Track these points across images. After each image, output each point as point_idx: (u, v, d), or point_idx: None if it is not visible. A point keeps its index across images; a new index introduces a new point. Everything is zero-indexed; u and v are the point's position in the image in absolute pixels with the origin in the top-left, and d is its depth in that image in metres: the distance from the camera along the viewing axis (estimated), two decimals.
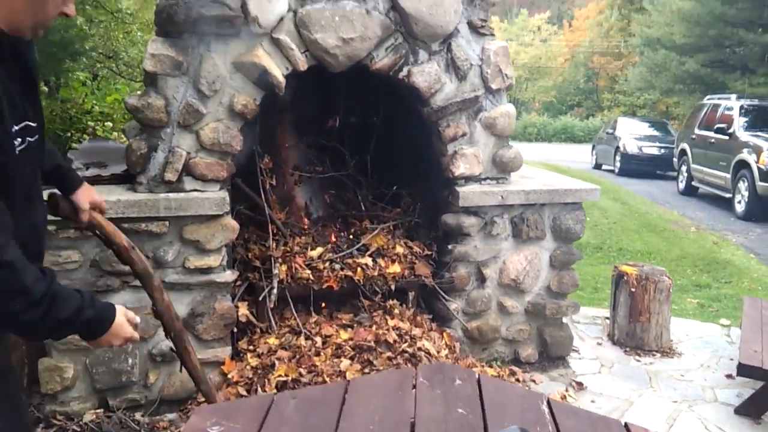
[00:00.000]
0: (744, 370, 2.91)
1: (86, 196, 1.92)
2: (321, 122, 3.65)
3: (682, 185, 12.27)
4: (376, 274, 3.36)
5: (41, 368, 2.91)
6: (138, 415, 3.02)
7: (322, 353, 3.03)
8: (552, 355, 3.73)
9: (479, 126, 3.37)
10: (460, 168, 3.34)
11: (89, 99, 7.34)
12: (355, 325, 3.30)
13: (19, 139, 1.42)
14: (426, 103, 3.24)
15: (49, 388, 2.92)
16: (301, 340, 3.11)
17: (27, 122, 1.47)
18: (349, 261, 3.38)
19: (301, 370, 2.93)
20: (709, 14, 18.18)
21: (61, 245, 2.81)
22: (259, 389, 2.91)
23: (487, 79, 3.31)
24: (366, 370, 2.96)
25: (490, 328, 3.56)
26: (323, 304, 3.46)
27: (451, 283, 3.46)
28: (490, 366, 3.55)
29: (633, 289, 3.98)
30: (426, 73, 3.17)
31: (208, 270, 3.00)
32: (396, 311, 3.38)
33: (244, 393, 2.93)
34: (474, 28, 3.27)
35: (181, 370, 2.29)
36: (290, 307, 3.29)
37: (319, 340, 3.10)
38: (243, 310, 3.19)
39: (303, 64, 2.98)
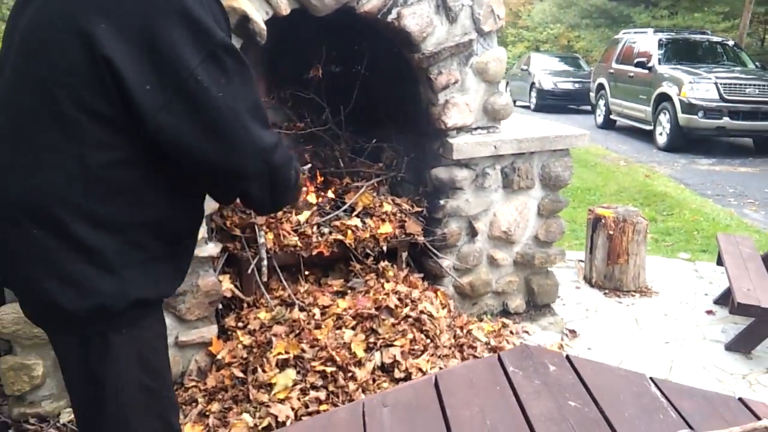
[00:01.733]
0: (742, 309, 2.96)
1: None
2: (299, 74, 3.29)
3: (600, 119, 12.63)
4: (367, 235, 3.13)
5: (5, 368, 2.52)
6: None
7: (323, 325, 2.80)
8: (539, 303, 3.70)
9: (470, 72, 3.15)
10: (452, 118, 3.12)
11: None
12: (349, 291, 3.08)
13: None
14: (417, 49, 2.97)
15: (16, 389, 2.55)
16: (297, 313, 2.86)
17: None
18: (337, 223, 3.13)
19: (303, 345, 2.70)
20: None
21: None
22: (258, 369, 2.66)
23: (479, 20, 3.07)
24: (371, 340, 2.77)
25: (482, 283, 3.45)
26: (307, 273, 3.21)
27: (443, 240, 3.29)
28: (481, 320, 3.45)
29: (611, 232, 3.98)
30: (417, 15, 2.88)
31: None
32: (390, 273, 3.18)
33: (240, 374, 2.67)
34: None
35: None
36: (277, 277, 3.02)
37: (317, 311, 2.86)
38: (226, 283, 2.89)
39: (285, 7, 2.62)
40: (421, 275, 3.36)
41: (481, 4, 3.04)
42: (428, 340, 2.88)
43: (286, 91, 3.40)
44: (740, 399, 1.46)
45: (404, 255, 3.28)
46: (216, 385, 2.72)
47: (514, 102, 16.91)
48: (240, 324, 2.89)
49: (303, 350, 2.69)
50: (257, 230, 2.94)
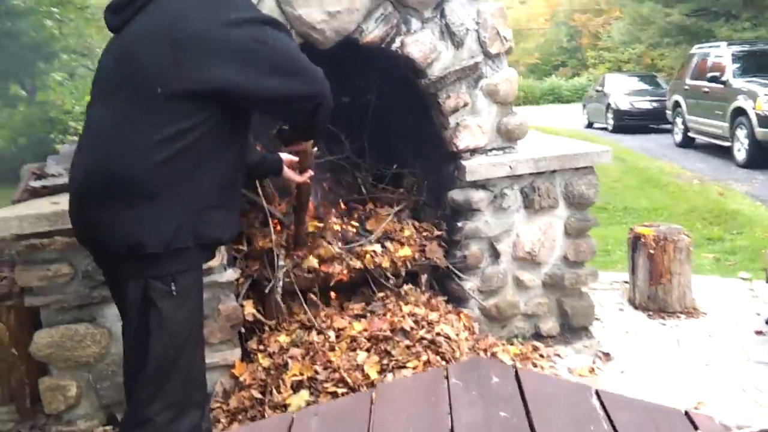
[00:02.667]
0: None
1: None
2: None
3: (678, 137, 12.10)
4: (386, 260, 3.18)
5: (43, 388, 2.74)
6: None
7: (336, 348, 2.86)
8: (574, 326, 3.58)
9: (480, 94, 3.17)
10: (464, 140, 3.15)
11: (68, 99, 7.13)
12: (369, 314, 3.12)
13: None
14: (423, 74, 3.04)
15: (53, 408, 2.76)
16: (313, 336, 2.94)
17: None
18: (357, 249, 3.20)
19: (317, 367, 2.77)
20: None
21: (50, 258, 2.62)
22: (274, 391, 2.75)
23: (485, 43, 3.10)
24: (385, 362, 2.79)
25: (508, 305, 3.40)
26: (333, 295, 3.29)
27: (464, 262, 3.29)
28: (511, 344, 3.39)
29: (651, 251, 3.82)
30: (420, 43, 2.96)
31: (208, 271, 2.81)
32: (410, 297, 3.21)
33: (259, 395, 2.77)
34: None
35: None
36: (299, 301, 3.11)
37: (332, 334, 2.93)
38: (249, 308, 3.01)
39: None
40: (445, 298, 3.36)
41: (486, 27, 3.08)
42: (444, 362, 2.86)
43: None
44: (686, 412, 1.39)
45: (424, 278, 3.30)
46: (237, 406, 2.82)
47: (591, 125, 16.63)
48: (261, 347, 2.99)
49: (316, 372, 2.76)
50: (276, 255, 3.06)
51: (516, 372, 1.54)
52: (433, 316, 3.07)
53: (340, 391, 2.65)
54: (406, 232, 3.37)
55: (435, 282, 3.44)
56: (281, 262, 3.05)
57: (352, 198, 3.58)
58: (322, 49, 2.86)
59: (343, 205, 3.50)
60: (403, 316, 3.02)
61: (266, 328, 3.06)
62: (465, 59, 3.09)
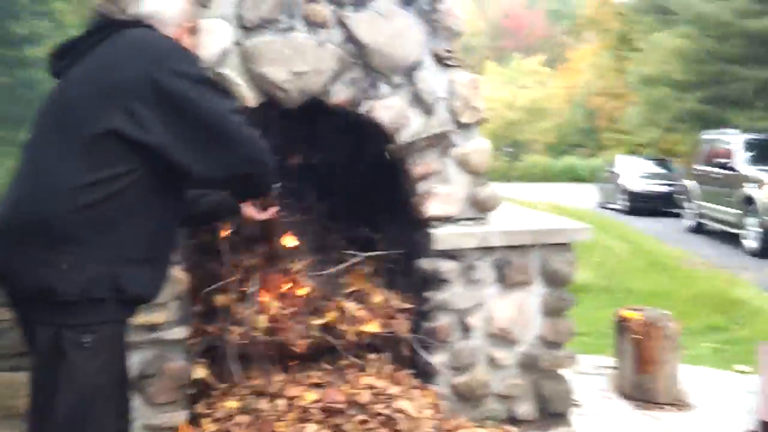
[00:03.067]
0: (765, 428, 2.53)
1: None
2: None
3: (689, 222, 11.93)
4: (350, 331, 3.04)
5: None
6: None
7: (285, 418, 2.68)
8: (551, 411, 3.36)
9: (451, 163, 3.11)
10: (433, 208, 3.07)
11: None
12: (327, 384, 2.95)
13: None
14: (391, 140, 2.99)
15: None
16: (264, 403, 2.77)
17: None
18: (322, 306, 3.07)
19: None
20: (704, 52, 18.18)
21: None
22: None
23: (456, 112, 3.06)
24: None
25: (479, 384, 3.21)
26: (292, 361, 3.12)
27: (432, 335, 3.13)
28: (482, 426, 3.17)
29: (637, 337, 3.62)
30: (389, 108, 2.93)
31: (154, 327, 2.70)
32: (372, 368, 3.04)
33: None
34: (439, 60, 3.05)
35: None
36: (256, 366, 2.95)
37: (283, 402, 2.76)
38: (200, 371, 2.86)
39: (251, 100, 2.75)
40: (413, 371, 3.18)
41: (458, 96, 3.05)
42: None
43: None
44: None
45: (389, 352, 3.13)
46: None
47: (604, 205, 16.52)
48: (209, 411, 2.82)
49: None
50: (225, 319, 2.93)
51: None
52: (394, 390, 2.89)
53: None
54: (377, 299, 3.23)
55: (402, 354, 3.26)
56: (228, 328, 2.92)
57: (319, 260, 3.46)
58: (286, 107, 2.83)
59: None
60: (362, 389, 2.85)
61: (219, 392, 2.90)
62: (435, 127, 3.04)
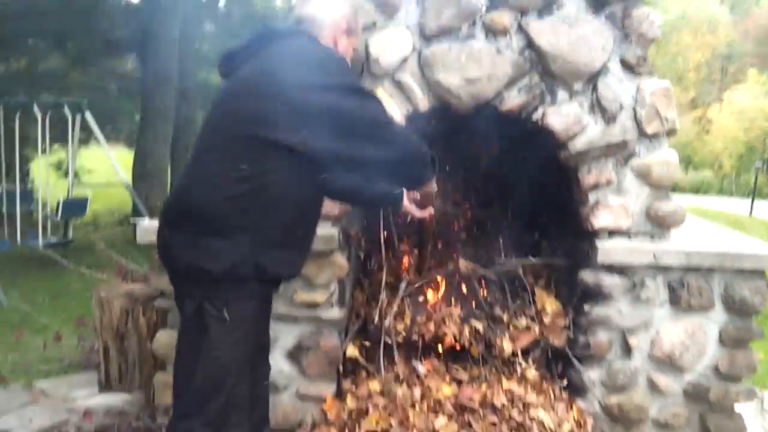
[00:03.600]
0: None
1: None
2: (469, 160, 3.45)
3: None
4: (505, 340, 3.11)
5: (157, 382, 3.14)
6: None
7: (417, 406, 2.85)
8: None
9: (630, 174, 2.96)
10: (601, 219, 2.96)
11: None
12: (470, 381, 3.06)
13: None
14: (563, 147, 2.94)
15: (162, 401, 3.14)
16: (402, 389, 2.96)
17: None
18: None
19: (392, 421, 2.79)
20: None
21: None
22: None
23: (641, 122, 2.90)
24: None
25: (634, 408, 3.08)
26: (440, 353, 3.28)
27: (587, 350, 3.06)
28: None
29: None
30: (563, 115, 2.87)
31: (314, 305, 3.01)
32: (521, 373, 3.08)
33: None
34: (628, 66, 2.90)
35: None
36: (405, 354, 3.16)
37: (418, 391, 2.93)
38: (352, 350, 3.13)
39: (424, 104, 2.88)
40: (564, 384, 3.16)
41: (644, 105, 2.88)
42: None
43: (458, 176, 3.58)
44: None
45: (535, 357, 3.14)
46: None
47: None
48: (353, 388, 3.10)
49: (390, 425, 2.78)
50: (382, 312, 3.15)
51: None
52: (532, 398, 2.91)
53: None
54: (543, 305, 3.25)
55: (554, 364, 3.24)
56: (387, 321, 3.13)
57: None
58: (457, 112, 2.91)
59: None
60: (499, 391, 2.91)
61: (364, 372, 3.16)
62: (615, 136, 2.91)
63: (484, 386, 2.97)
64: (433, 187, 2.29)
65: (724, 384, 3.07)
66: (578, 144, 2.92)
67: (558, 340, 3.12)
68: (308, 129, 1.86)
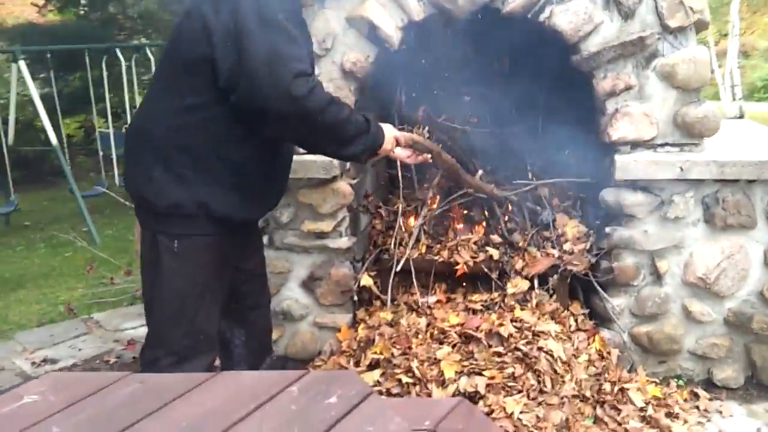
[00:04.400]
0: None
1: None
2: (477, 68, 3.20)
3: None
4: (518, 261, 2.93)
5: None
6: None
7: (421, 335, 2.75)
8: (763, 381, 2.82)
9: (653, 76, 2.63)
10: (620, 130, 2.67)
11: None
12: (484, 310, 2.92)
13: None
14: (575, 50, 2.65)
15: None
16: (410, 318, 2.87)
17: None
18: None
19: (394, 350, 2.71)
20: None
21: None
22: (360, 363, 2.78)
23: (663, 14, 2.55)
24: (465, 363, 2.59)
25: (665, 337, 2.83)
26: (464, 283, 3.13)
27: (610, 275, 2.82)
28: (665, 384, 2.82)
29: None
30: (571, 12, 2.58)
31: (321, 234, 2.95)
32: (536, 302, 2.89)
33: (345, 365, 2.83)
34: None
35: None
36: (420, 282, 3.05)
37: (423, 320, 2.82)
38: (366, 279, 3.06)
39: (419, 12, 2.69)
40: (586, 311, 2.95)
41: None
42: (535, 382, 2.54)
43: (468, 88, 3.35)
44: None
45: (554, 284, 2.93)
46: (331, 368, 2.93)
47: None
48: (366, 317, 3.04)
49: (393, 354, 2.71)
50: (396, 240, 3.04)
51: (368, 395, 1.22)
52: (546, 327, 2.72)
53: (404, 380, 2.57)
54: (570, 232, 3.03)
55: (580, 291, 3.02)
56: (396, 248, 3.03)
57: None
58: (457, 18, 2.69)
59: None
60: (507, 321, 2.75)
61: (378, 302, 3.09)
62: (634, 33, 2.58)
63: (494, 316, 2.81)
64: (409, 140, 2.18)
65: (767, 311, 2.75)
66: (591, 45, 2.62)
67: (580, 266, 2.89)
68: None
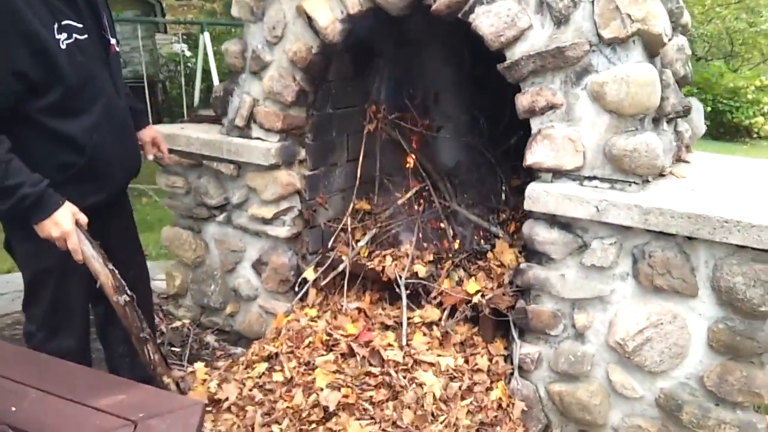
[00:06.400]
0: None
1: (149, 133, 2.50)
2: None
3: None
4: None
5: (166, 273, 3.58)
6: (210, 337, 3.38)
7: (314, 338, 2.72)
8: None
9: (583, 95, 2.26)
10: (536, 154, 2.35)
11: None
12: (396, 327, 2.79)
13: (64, 34, 1.92)
14: (501, 57, 2.38)
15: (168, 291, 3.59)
16: (320, 322, 2.85)
17: (69, 21, 1.95)
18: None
19: (284, 347, 2.73)
20: None
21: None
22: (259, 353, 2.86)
23: (597, 22, 2.17)
24: (336, 377, 2.51)
25: (576, 403, 2.46)
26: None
27: (524, 318, 2.51)
28: None
29: None
30: (494, 15, 2.31)
31: (264, 221, 3.06)
32: (443, 331, 2.70)
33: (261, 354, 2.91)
34: None
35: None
36: (354, 286, 3.02)
37: (321, 323, 2.78)
38: (309, 273, 3.10)
39: (354, 6, 2.62)
40: (505, 353, 2.67)
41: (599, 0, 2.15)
42: (392, 413, 2.40)
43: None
44: None
45: (460, 313, 2.69)
46: (257, 351, 3.03)
47: None
48: (297, 310, 3.08)
49: (282, 351, 2.74)
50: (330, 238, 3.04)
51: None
52: (430, 358, 2.53)
53: (276, 378, 2.59)
54: (507, 260, 2.77)
55: (494, 330, 2.73)
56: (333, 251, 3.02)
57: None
58: (392, 14, 2.58)
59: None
60: (399, 341, 2.61)
61: (317, 297, 3.10)
62: (567, 42, 2.24)
63: (392, 335, 2.68)
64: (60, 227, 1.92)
65: (706, 403, 2.23)
66: (517, 53, 2.33)
67: (501, 303, 2.61)
68: None
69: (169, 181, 3.34)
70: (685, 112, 2.56)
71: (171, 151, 3.22)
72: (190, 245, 3.37)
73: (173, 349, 3.28)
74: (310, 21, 2.70)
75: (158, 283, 3.65)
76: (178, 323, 3.47)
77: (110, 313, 2.09)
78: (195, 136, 3.12)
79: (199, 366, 2.95)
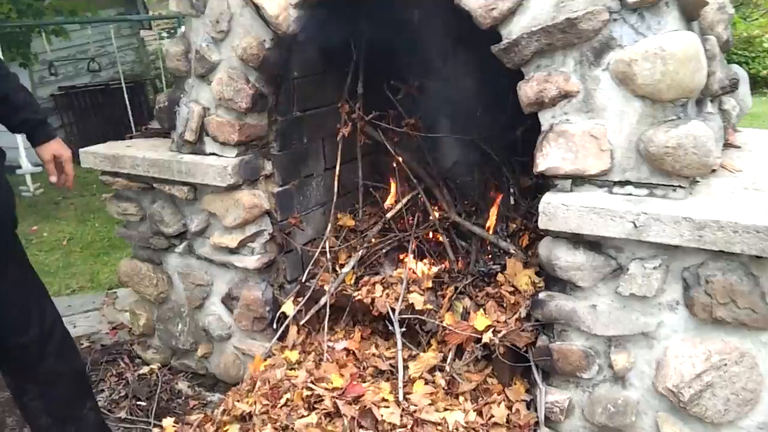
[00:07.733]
0: None
1: (50, 149, 2.12)
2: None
3: None
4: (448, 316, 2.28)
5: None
6: (182, 384, 2.94)
7: (294, 391, 2.26)
8: None
9: (605, 78, 1.76)
10: (549, 157, 1.86)
11: None
12: (392, 372, 2.33)
13: None
14: (496, 37, 1.88)
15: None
16: (301, 369, 2.39)
17: None
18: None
19: (259, 405, 2.28)
20: None
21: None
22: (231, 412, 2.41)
23: None
24: None
25: None
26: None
27: (548, 359, 2.04)
28: None
29: None
30: None
31: (229, 250, 2.60)
32: (449, 377, 2.23)
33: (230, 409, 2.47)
34: None
35: None
36: (326, 323, 2.55)
37: (302, 374, 2.32)
38: (288, 307, 2.64)
39: None
40: (528, 398, 2.20)
41: None
42: None
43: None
44: None
45: (469, 357, 2.22)
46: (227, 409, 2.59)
47: None
48: (277, 352, 2.64)
49: (256, 412, 2.28)
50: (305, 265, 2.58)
51: None
52: (433, 416, 2.06)
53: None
54: (523, 285, 2.29)
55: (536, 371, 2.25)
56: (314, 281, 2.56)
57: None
58: None
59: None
60: (395, 395, 2.14)
61: (299, 334, 2.65)
62: (579, 11, 1.74)
63: (387, 386, 2.22)
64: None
65: None
66: (515, 30, 1.83)
67: (520, 340, 2.14)
68: None
69: (120, 208, 2.88)
70: (733, 87, 2.06)
71: (116, 174, 2.79)
72: (151, 280, 2.91)
73: (139, 403, 2.84)
74: (257, 10, 2.21)
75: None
76: (146, 369, 3.03)
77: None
78: (141, 155, 2.65)
79: (167, 423, 2.53)
